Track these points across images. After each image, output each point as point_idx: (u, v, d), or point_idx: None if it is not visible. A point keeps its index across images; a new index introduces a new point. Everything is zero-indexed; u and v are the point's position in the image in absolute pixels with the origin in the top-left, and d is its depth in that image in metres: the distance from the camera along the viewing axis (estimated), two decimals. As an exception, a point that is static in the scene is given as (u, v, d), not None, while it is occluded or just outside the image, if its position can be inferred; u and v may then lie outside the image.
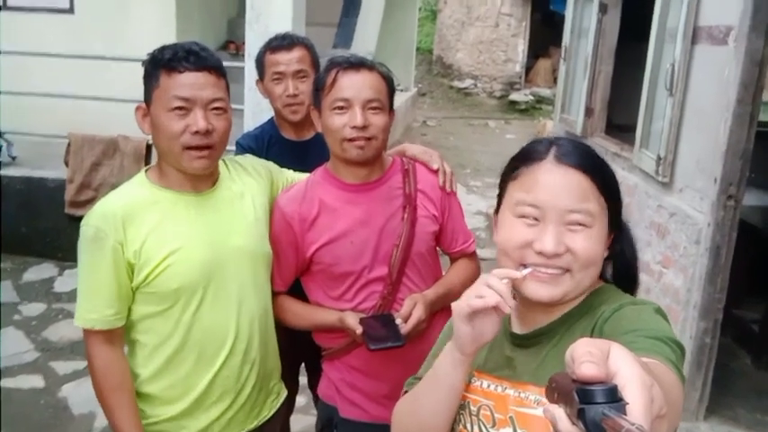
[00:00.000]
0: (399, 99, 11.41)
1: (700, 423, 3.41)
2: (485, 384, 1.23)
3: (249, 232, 1.81)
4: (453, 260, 2.07)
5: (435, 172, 1.96)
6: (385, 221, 1.87)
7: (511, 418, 1.17)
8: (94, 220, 1.68)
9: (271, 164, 2.04)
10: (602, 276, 1.27)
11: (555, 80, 10.64)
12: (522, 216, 1.16)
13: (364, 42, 7.03)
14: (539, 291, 1.16)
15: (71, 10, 6.24)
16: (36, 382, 3.74)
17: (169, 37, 6.05)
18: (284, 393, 2.05)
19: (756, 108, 3.09)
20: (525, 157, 1.21)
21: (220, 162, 1.84)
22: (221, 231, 1.76)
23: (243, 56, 5.48)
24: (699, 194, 3.36)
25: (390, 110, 1.87)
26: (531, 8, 13.97)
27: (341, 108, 1.78)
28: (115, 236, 1.65)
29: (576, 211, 1.13)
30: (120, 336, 1.75)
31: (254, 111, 4.68)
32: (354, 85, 1.79)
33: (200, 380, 1.77)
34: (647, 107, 3.95)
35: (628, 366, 0.68)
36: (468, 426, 1.23)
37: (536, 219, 1.15)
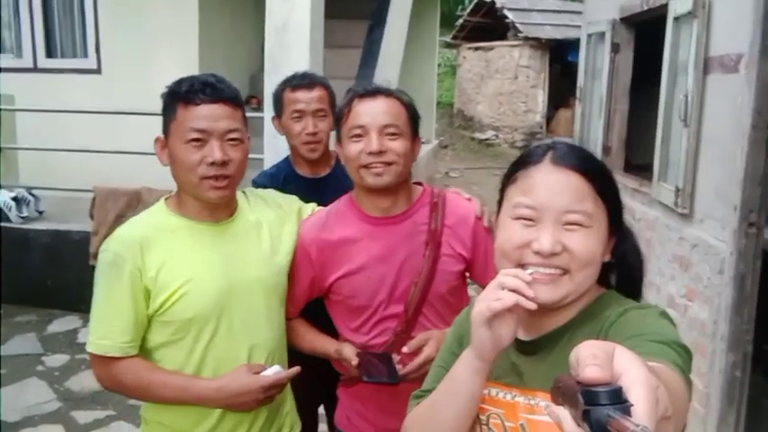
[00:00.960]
0: (421, 151, 11.50)
1: (735, 461, 3.27)
2: (493, 392, 1.22)
3: (264, 263, 1.81)
4: None
5: (469, 200, 1.90)
6: (405, 258, 1.82)
7: (522, 425, 1.16)
8: (113, 246, 1.69)
9: (294, 197, 2.04)
10: (606, 284, 1.26)
11: (575, 128, 10.68)
12: (520, 218, 1.16)
13: (383, 93, 7.15)
14: (538, 293, 1.14)
15: (98, 70, 6.46)
16: (57, 431, 3.73)
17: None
18: (298, 426, 2.02)
19: (772, 133, 3.06)
20: (523, 161, 1.22)
21: (239, 193, 1.85)
22: (237, 262, 1.75)
23: (263, 109, 5.62)
24: (720, 224, 3.31)
25: (415, 137, 1.83)
26: (550, 60, 14.15)
27: (358, 136, 1.77)
28: (133, 261, 1.65)
29: (572, 212, 1.13)
30: None
31: (274, 160, 4.73)
32: (370, 112, 1.77)
33: (213, 411, 1.75)
34: (663, 139, 3.94)
35: (633, 368, 0.67)
36: None
37: (533, 220, 1.15)
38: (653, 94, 4.26)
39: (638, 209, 4.34)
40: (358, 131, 1.76)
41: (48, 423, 3.79)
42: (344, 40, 7.26)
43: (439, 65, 14.37)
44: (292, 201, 2.02)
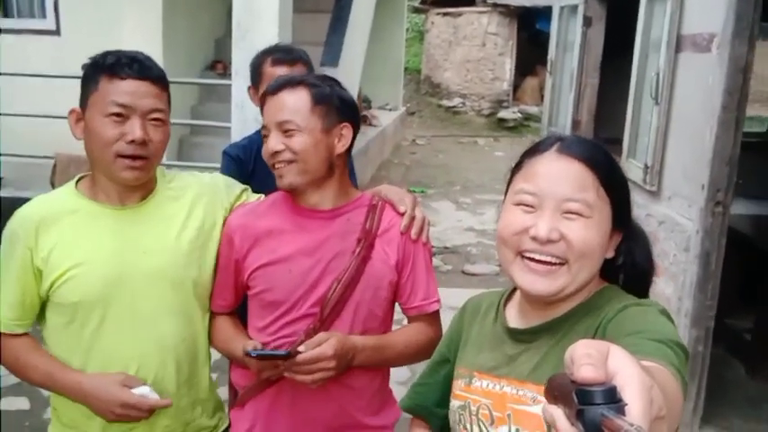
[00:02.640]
0: (388, 118, 11.47)
1: (695, 433, 3.38)
2: (484, 384, 1.24)
3: (171, 254, 1.67)
4: (410, 321, 1.79)
5: (401, 215, 1.73)
6: (333, 256, 1.67)
7: (509, 415, 1.17)
8: (13, 222, 1.64)
9: (238, 184, 1.91)
10: (609, 279, 1.26)
11: (542, 98, 10.72)
12: (521, 203, 1.17)
13: (352, 60, 7.06)
14: (535, 284, 1.16)
15: (57, 32, 6.24)
16: (22, 404, 3.69)
17: (155, 57, 6.03)
18: (222, 427, 1.88)
19: (742, 114, 3.11)
20: (531, 151, 1.23)
21: (167, 174, 1.76)
22: (136, 249, 1.65)
23: (230, 75, 5.50)
24: (687, 202, 3.36)
25: (332, 125, 1.68)
26: (518, 28, 14.12)
27: (264, 135, 1.69)
28: (26, 240, 1.60)
29: (572, 200, 1.13)
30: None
31: (241, 129, 4.66)
32: (269, 110, 1.68)
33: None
34: (634, 117, 3.97)
35: (627, 367, 0.67)
36: (468, 426, 1.24)
37: (533, 206, 1.15)
38: (624, 68, 4.28)
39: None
40: (264, 132, 1.69)
41: (13, 395, 3.73)
42: (314, 5, 7.14)
43: (407, 30, 14.25)
44: (234, 188, 1.88)
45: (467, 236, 7.26)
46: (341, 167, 1.72)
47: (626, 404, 0.63)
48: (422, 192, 9.11)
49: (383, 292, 1.71)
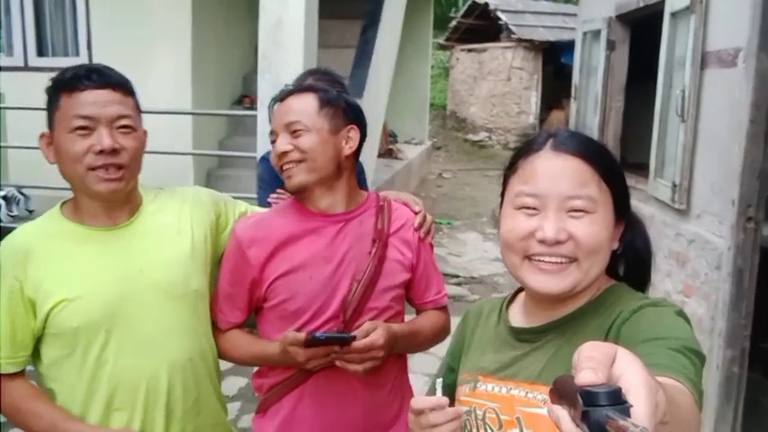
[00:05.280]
0: (414, 152, 11.52)
1: (733, 458, 3.25)
2: (489, 387, 1.20)
3: (173, 267, 1.63)
4: (422, 312, 1.87)
5: (415, 213, 1.80)
6: (351, 259, 1.68)
7: (518, 418, 1.13)
8: None
9: (222, 195, 1.87)
10: (614, 273, 1.23)
11: (569, 129, 10.72)
12: (522, 207, 1.14)
13: (377, 93, 7.12)
14: (547, 283, 1.13)
15: (90, 68, 6.40)
16: None
17: (185, 92, 6.19)
18: None
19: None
20: (524, 150, 1.19)
21: (146, 191, 1.71)
22: (134, 265, 1.59)
23: (256, 107, 5.58)
24: (717, 219, 3.29)
25: (339, 126, 1.70)
26: (543, 62, 14.18)
27: (272, 140, 1.70)
28: (14, 272, 1.53)
29: (576, 197, 1.11)
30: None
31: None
32: (275, 114, 1.71)
33: None
34: (660, 135, 3.93)
35: (633, 371, 0.68)
36: (474, 430, 1.20)
37: (536, 208, 1.13)
38: (648, 91, 4.25)
39: (633, 206, 4.31)
40: (271, 137, 1.71)
41: None
42: (338, 40, 7.25)
43: (432, 66, 14.37)
44: (219, 198, 1.84)
45: (494, 266, 7.19)
46: (349, 170, 1.74)
47: (631, 405, 0.64)
48: (448, 224, 9.08)
49: (399, 290, 1.75)
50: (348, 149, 1.70)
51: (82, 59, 6.38)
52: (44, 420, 1.55)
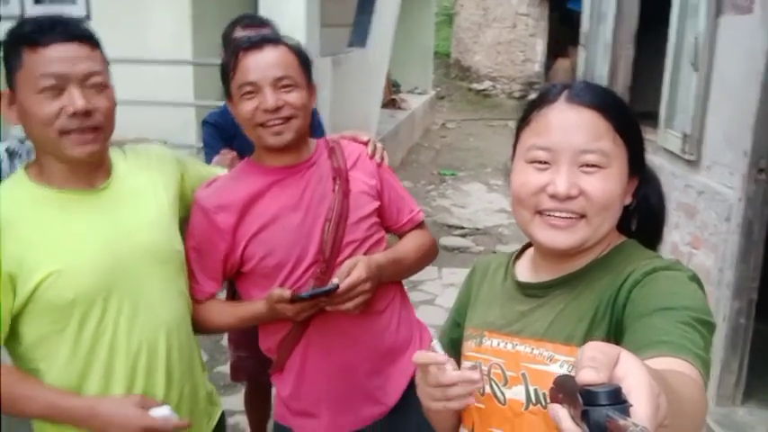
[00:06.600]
0: (417, 102, 11.41)
1: (737, 408, 3.28)
2: (495, 343, 1.19)
3: (157, 228, 1.58)
4: (403, 235, 1.90)
5: (365, 143, 1.83)
6: (317, 202, 1.70)
7: (523, 375, 1.13)
8: None
9: (183, 156, 1.82)
10: (625, 228, 1.21)
11: (575, 79, 10.57)
12: (534, 161, 1.12)
13: (380, 41, 7.00)
14: (556, 238, 1.12)
15: (88, 17, 6.28)
16: None
17: (185, 39, 6.07)
18: (218, 413, 1.82)
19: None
20: (537, 102, 1.16)
21: (117, 151, 1.63)
22: (120, 229, 1.52)
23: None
24: (728, 170, 3.25)
25: (310, 84, 1.71)
26: (549, 7, 13.89)
27: (249, 93, 1.63)
28: None
29: (589, 151, 1.08)
30: None
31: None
32: (259, 66, 1.62)
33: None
34: (671, 85, 3.85)
35: (635, 372, 0.68)
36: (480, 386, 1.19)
37: (548, 162, 1.11)
38: (659, 40, 4.15)
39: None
40: (249, 88, 1.62)
41: None
42: (341, -14, 7.09)
43: (436, 13, 14.10)
44: (181, 159, 1.79)
45: (498, 217, 7.18)
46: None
47: (631, 405, 0.64)
48: (452, 174, 9.04)
49: (373, 218, 1.77)
50: (313, 103, 1.74)
51: (79, 8, 6.25)
52: (38, 402, 1.45)
